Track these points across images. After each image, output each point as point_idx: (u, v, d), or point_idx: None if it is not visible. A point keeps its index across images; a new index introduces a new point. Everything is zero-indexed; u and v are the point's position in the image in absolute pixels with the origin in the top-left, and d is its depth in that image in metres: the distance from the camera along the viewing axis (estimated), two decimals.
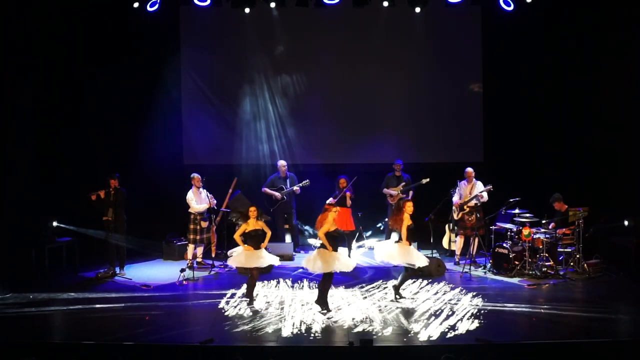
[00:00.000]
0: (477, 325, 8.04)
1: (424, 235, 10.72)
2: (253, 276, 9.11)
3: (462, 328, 7.94)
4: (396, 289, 9.18)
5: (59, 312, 8.83)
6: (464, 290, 9.52)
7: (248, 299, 9.02)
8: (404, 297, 9.17)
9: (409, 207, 9.15)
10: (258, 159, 13.15)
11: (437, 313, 8.53)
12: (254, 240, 9.15)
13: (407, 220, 9.11)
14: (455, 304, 8.95)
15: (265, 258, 9.16)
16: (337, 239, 8.74)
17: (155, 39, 12.48)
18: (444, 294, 9.44)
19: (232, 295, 9.36)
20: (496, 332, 7.74)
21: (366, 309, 8.74)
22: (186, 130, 13.14)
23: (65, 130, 12.05)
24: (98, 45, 12.04)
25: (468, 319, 8.26)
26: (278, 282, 10.12)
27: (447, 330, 7.88)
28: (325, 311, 8.57)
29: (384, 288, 9.74)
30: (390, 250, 9.23)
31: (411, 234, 9.12)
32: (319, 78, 13.06)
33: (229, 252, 9.72)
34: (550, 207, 10.80)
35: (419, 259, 9.13)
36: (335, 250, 8.69)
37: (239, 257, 9.15)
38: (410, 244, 9.14)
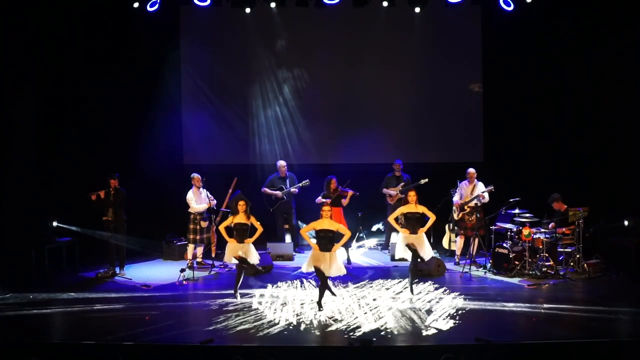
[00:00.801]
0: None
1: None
2: (240, 268, 9.18)
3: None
4: (410, 287, 9.31)
5: (59, 312, 8.84)
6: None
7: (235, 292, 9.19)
8: (413, 294, 9.25)
9: (410, 197, 9.39)
10: (258, 158, 13.15)
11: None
12: (239, 233, 9.20)
13: (404, 209, 9.33)
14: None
15: (249, 253, 9.18)
16: (325, 239, 8.67)
17: (155, 39, 12.48)
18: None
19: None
20: (496, 332, 7.74)
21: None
22: (186, 130, 13.15)
23: (65, 130, 12.04)
24: (98, 46, 12.04)
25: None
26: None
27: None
28: (320, 310, 8.59)
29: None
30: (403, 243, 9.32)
31: (407, 222, 9.35)
32: (319, 78, 13.07)
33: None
34: (550, 207, 10.81)
35: (429, 252, 9.36)
36: (324, 250, 8.64)
37: (226, 250, 9.27)
38: (408, 232, 9.29)
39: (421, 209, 9.40)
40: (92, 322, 8.35)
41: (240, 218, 9.27)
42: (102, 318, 8.50)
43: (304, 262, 11.37)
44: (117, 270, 10.74)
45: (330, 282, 8.92)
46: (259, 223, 9.36)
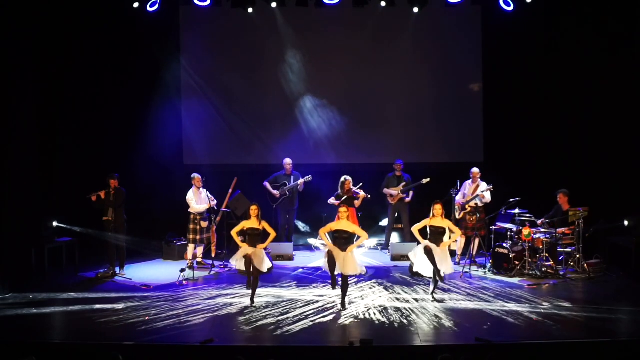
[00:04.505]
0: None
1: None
2: (252, 277, 9.06)
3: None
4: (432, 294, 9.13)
5: (59, 312, 8.84)
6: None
7: (250, 301, 9.00)
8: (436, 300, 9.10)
9: (436, 210, 9.11)
10: (258, 158, 13.15)
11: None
12: (251, 238, 9.10)
13: (429, 222, 9.12)
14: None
15: (262, 261, 9.04)
16: (341, 240, 8.75)
17: (155, 39, 12.47)
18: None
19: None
20: (496, 332, 7.74)
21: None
22: (186, 130, 13.14)
23: (65, 130, 12.04)
24: (98, 46, 12.03)
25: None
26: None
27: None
28: (341, 308, 8.69)
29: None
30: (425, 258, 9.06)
31: (431, 235, 9.11)
32: (319, 78, 13.05)
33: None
34: (553, 200, 10.79)
35: (450, 266, 9.15)
36: (343, 249, 8.71)
37: (237, 256, 9.11)
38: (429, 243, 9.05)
39: (447, 223, 9.15)
40: (92, 322, 8.34)
41: (252, 223, 9.11)
42: (102, 318, 8.49)
43: (303, 262, 11.52)
44: (117, 270, 10.74)
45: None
46: (271, 228, 9.26)
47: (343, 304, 8.76)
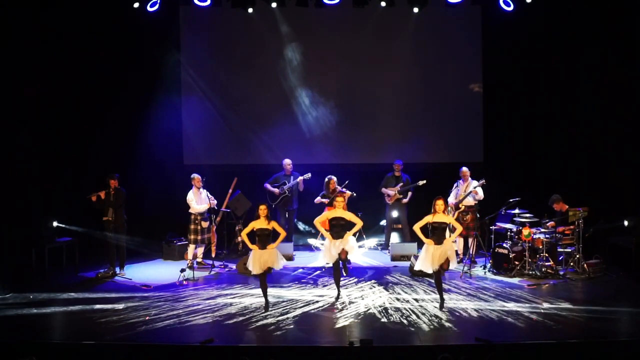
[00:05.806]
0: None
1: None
2: (261, 278, 8.95)
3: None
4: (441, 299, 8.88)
5: (59, 312, 8.84)
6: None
7: (265, 303, 8.91)
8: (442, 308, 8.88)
9: (437, 206, 8.85)
10: (258, 158, 13.15)
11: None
12: (261, 239, 8.97)
13: (431, 219, 8.86)
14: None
15: (276, 259, 8.94)
16: (338, 227, 9.00)
17: (155, 39, 12.47)
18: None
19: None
20: (496, 332, 7.74)
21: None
22: (186, 130, 13.14)
23: (65, 130, 12.04)
24: (98, 46, 12.02)
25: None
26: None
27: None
28: (339, 300, 8.94)
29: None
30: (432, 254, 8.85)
31: (433, 232, 8.89)
32: (319, 78, 13.04)
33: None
34: (550, 209, 10.82)
35: (453, 264, 8.96)
36: (337, 237, 8.97)
37: (251, 261, 8.93)
38: (433, 242, 8.76)
39: (449, 219, 8.98)
40: (92, 322, 8.35)
41: (262, 223, 8.93)
42: (102, 318, 8.50)
43: (303, 262, 11.52)
44: (117, 270, 10.74)
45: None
46: (281, 227, 9.24)
47: (338, 294, 9.02)
